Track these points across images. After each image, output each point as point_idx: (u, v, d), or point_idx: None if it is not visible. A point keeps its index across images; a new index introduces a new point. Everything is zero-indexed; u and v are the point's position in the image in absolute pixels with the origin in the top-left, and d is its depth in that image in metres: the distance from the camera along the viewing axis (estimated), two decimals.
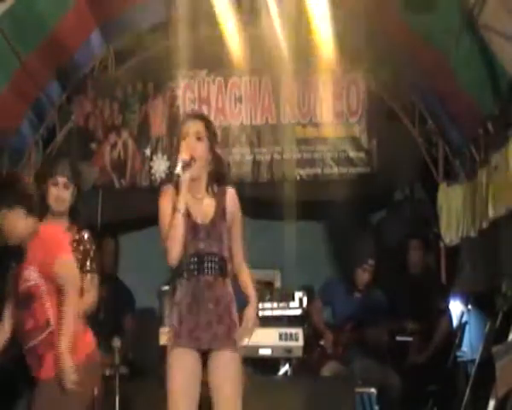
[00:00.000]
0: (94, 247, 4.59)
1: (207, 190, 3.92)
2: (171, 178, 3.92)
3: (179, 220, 3.77)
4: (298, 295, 6.61)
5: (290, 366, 6.09)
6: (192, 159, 3.80)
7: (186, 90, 7.79)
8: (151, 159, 7.78)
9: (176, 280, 3.86)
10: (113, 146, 7.79)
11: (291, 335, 5.91)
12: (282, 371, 6.06)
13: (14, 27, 5.85)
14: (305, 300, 6.59)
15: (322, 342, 6.34)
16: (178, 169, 3.77)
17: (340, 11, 7.09)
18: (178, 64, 7.71)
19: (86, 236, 4.57)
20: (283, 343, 5.94)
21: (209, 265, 3.81)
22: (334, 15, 7.20)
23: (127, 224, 7.59)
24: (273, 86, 7.73)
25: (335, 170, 7.73)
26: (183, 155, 3.81)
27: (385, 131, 7.67)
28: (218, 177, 3.96)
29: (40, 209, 4.53)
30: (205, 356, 3.80)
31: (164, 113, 7.78)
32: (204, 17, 7.61)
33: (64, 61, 7.00)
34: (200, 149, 3.86)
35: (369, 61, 7.59)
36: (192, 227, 3.82)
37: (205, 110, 7.72)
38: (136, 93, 7.81)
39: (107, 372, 5.75)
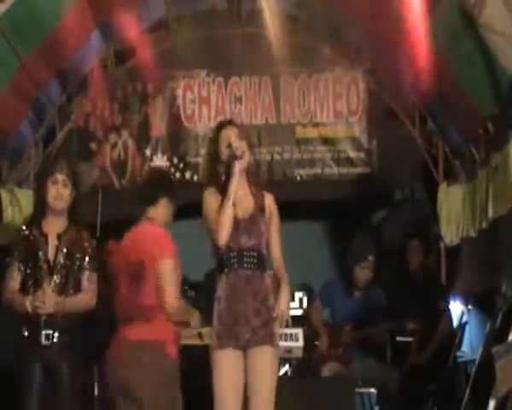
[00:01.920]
0: (93, 245, 4.60)
1: (248, 189, 4.12)
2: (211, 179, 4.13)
3: (230, 206, 3.94)
4: (298, 295, 6.63)
5: (290, 366, 6.09)
6: (244, 151, 4.02)
7: (186, 90, 7.80)
8: (151, 159, 7.78)
9: (216, 275, 4.01)
10: (113, 146, 7.79)
11: (291, 335, 5.91)
12: (282, 371, 6.06)
13: (14, 27, 5.85)
14: (305, 300, 6.60)
15: (317, 343, 6.33)
16: (238, 152, 3.98)
17: (341, 11, 7.10)
18: (178, 64, 7.72)
19: (85, 235, 4.58)
20: (283, 343, 5.93)
21: (248, 259, 3.95)
22: (335, 15, 7.22)
23: (127, 224, 7.58)
24: (273, 86, 7.73)
25: (335, 170, 7.74)
26: (237, 144, 4.02)
27: (385, 131, 7.67)
28: (254, 176, 4.23)
29: (40, 209, 4.55)
30: (244, 352, 3.91)
31: (164, 113, 7.78)
32: (204, 17, 7.63)
33: (64, 61, 7.00)
34: (245, 151, 4.06)
35: (369, 61, 7.60)
36: (233, 221, 3.96)
37: (205, 110, 7.74)
38: (136, 93, 7.82)
39: None
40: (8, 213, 6.84)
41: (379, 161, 7.68)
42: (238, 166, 3.99)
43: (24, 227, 4.55)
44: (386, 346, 6.35)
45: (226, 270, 3.96)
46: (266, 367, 3.87)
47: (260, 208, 4.08)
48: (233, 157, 3.99)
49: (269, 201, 4.16)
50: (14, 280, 4.44)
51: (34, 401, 4.34)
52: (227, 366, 3.87)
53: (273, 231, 4.10)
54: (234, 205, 3.98)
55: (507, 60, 5.49)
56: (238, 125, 4.26)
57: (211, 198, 4.04)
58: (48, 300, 4.33)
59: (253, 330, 3.87)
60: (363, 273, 6.34)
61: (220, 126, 4.19)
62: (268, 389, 3.86)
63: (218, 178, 4.09)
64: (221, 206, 3.94)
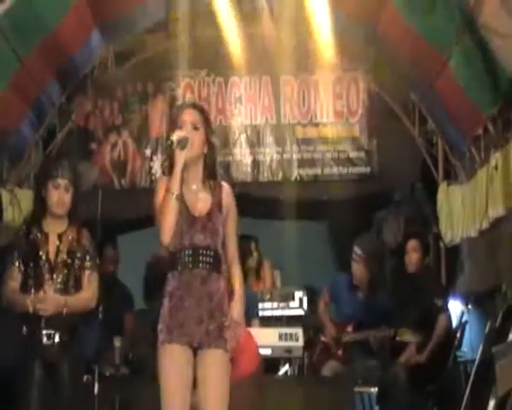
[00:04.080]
0: (93, 245, 4.60)
1: (203, 183, 3.84)
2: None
3: (172, 203, 3.66)
4: (298, 295, 6.62)
5: (290, 366, 6.09)
6: (187, 139, 3.70)
7: (186, 90, 7.80)
8: (151, 159, 7.79)
9: (169, 273, 3.78)
10: (113, 146, 7.80)
11: (291, 335, 5.92)
12: (282, 371, 6.06)
13: (14, 27, 5.85)
14: (305, 300, 6.60)
15: (323, 339, 6.33)
16: (174, 139, 3.66)
17: (341, 11, 7.10)
18: (178, 64, 7.72)
19: (85, 235, 4.58)
20: (283, 343, 5.94)
21: (204, 258, 3.74)
22: (335, 15, 7.21)
23: (127, 224, 7.59)
24: (273, 86, 7.74)
25: (335, 170, 7.74)
26: (180, 132, 3.71)
27: (385, 131, 7.67)
28: (210, 170, 3.86)
29: (40, 210, 4.55)
30: (195, 352, 3.73)
31: (164, 113, 7.78)
32: (204, 17, 7.63)
33: (64, 61, 7.00)
34: (197, 139, 3.76)
35: (369, 61, 7.60)
36: (188, 219, 3.75)
37: None
38: (136, 93, 7.82)
39: (108, 372, 5.76)
40: (8, 213, 6.84)
41: (379, 161, 7.68)
42: (179, 157, 3.66)
43: (24, 227, 4.56)
44: (386, 346, 6.34)
45: (180, 268, 3.73)
46: (217, 371, 3.69)
47: (217, 204, 3.80)
48: (173, 146, 3.67)
49: (226, 194, 3.85)
50: (15, 280, 4.45)
51: (35, 400, 4.34)
52: (175, 361, 3.69)
53: (230, 228, 3.85)
54: (185, 200, 3.75)
55: (507, 60, 5.49)
56: (200, 108, 3.88)
57: (160, 187, 3.75)
58: (49, 300, 4.33)
59: (206, 332, 3.70)
60: (355, 268, 6.34)
61: (180, 108, 3.91)
62: (217, 395, 3.69)
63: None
64: (163, 201, 3.68)
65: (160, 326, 3.78)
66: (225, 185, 3.90)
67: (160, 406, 3.73)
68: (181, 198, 3.73)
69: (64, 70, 7.16)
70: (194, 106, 3.91)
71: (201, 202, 3.80)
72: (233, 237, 3.88)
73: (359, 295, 6.40)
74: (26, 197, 7.11)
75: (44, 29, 6.26)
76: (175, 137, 3.69)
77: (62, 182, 4.49)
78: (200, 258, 3.74)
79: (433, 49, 6.27)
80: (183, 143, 3.69)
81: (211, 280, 3.75)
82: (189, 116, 3.80)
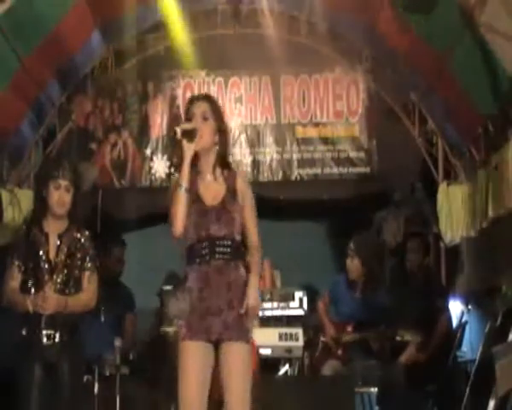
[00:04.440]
0: (93, 246, 4.60)
1: (215, 173, 3.81)
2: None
3: (181, 195, 3.66)
4: (298, 295, 6.62)
5: (290, 366, 6.09)
6: (195, 131, 3.70)
7: (186, 90, 7.80)
8: (151, 159, 7.79)
9: (187, 267, 3.76)
10: (113, 146, 7.80)
11: (291, 335, 5.91)
12: (282, 371, 6.06)
13: (14, 27, 5.85)
14: (305, 300, 6.59)
15: (323, 339, 6.33)
16: (178, 130, 3.67)
17: (341, 11, 7.10)
18: (178, 64, 7.73)
19: (86, 235, 4.58)
20: (283, 343, 5.93)
21: (220, 249, 3.71)
22: (335, 15, 7.22)
23: (127, 224, 7.59)
24: (273, 86, 7.74)
25: (335, 170, 7.75)
26: (186, 125, 3.71)
27: (385, 131, 7.67)
28: (223, 159, 3.84)
29: (41, 210, 4.55)
30: (216, 346, 3.69)
31: (164, 113, 7.78)
32: (204, 17, 7.64)
33: (64, 61, 7.00)
34: (207, 130, 3.75)
35: (369, 61, 7.61)
36: (202, 210, 3.73)
37: None
38: (136, 93, 7.82)
39: (108, 372, 5.76)
40: (8, 213, 6.84)
41: (379, 161, 7.69)
42: (187, 150, 3.67)
43: (24, 227, 4.56)
44: (385, 346, 6.34)
45: (197, 260, 3.70)
46: (238, 365, 3.65)
47: (232, 193, 3.75)
48: (176, 136, 3.67)
49: (240, 181, 3.79)
50: (15, 279, 4.45)
51: (35, 400, 4.34)
52: (194, 360, 3.66)
53: (247, 215, 3.78)
54: (199, 197, 3.74)
55: (507, 60, 5.49)
56: (209, 99, 3.88)
57: (173, 185, 3.77)
58: (49, 300, 4.33)
59: (225, 324, 3.66)
60: (349, 263, 6.35)
61: (190, 101, 3.88)
62: (241, 388, 3.64)
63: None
64: (173, 194, 3.68)
65: (180, 322, 3.75)
66: (240, 172, 3.89)
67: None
68: (195, 189, 3.74)
69: (64, 70, 7.16)
70: (204, 97, 3.92)
71: (214, 191, 3.78)
72: (251, 224, 3.80)
73: (357, 295, 6.41)
74: (26, 197, 7.11)
75: (44, 29, 6.26)
76: (179, 128, 3.69)
77: (63, 182, 4.49)
78: (217, 249, 3.71)
79: (433, 50, 6.27)
80: (189, 134, 3.68)
81: (228, 270, 3.71)
82: (198, 108, 3.80)
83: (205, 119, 3.78)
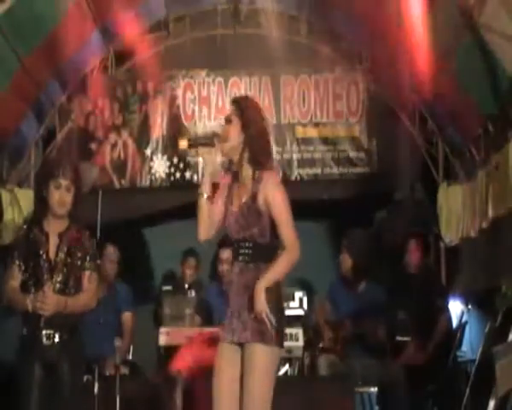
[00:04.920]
0: (94, 245, 4.60)
1: (244, 173, 3.80)
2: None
3: (202, 204, 3.76)
4: (298, 295, 6.62)
5: (290, 366, 6.09)
6: (210, 137, 3.76)
7: (186, 90, 7.80)
8: (151, 159, 7.79)
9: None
10: (113, 146, 7.80)
11: (291, 335, 5.91)
12: (282, 371, 6.06)
13: (14, 27, 5.85)
14: (305, 300, 6.60)
15: (321, 345, 6.34)
16: (186, 138, 3.75)
17: (341, 11, 7.10)
18: (178, 64, 7.73)
19: (86, 235, 4.58)
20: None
21: (242, 251, 3.76)
22: (335, 15, 7.22)
23: (127, 224, 7.59)
24: (273, 86, 7.74)
25: (335, 170, 7.75)
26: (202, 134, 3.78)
27: (385, 131, 7.67)
28: (250, 159, 3.80)
29: (41, 209, 4.55)
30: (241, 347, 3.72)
31: (164, 113, 7.78)
32: (204, 17, 7.64)
33: (64, 61, 7.00)
34: (230, 131, 3.77)
35: (369, 61, 7.61)
36: (229, 213, 3.80)
37: (205, 110, 7.75)
38: (136, 93, 7.82)
39: (108, 372, 5.76)
40: (8, 213, 6.84)
41: (379, 161, 7.69)
42: (206, 157, 3.75)
43: (25, 226, 4.56)
44: (386, 345, 6.35)
45: (233, 262, 3.84)
46: (255, 366, 3.63)
47: (252, 196, 3.74)
48: (189, 144, 3.75)
49: (265, 182, 3.73)
50: (15, 279, 4.45)
51: (35, 400, 4.34)
52: (223, 360, 3.72)
53: (274, 217, 3.74)
54: (227, 199, 3.80)
55: (507, 60, 5.49)
56: (238, 100, 3.89)
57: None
58: (49, 300, 4.33)
59: (244, 326, 3.67)
60: (340, 258, 6.37)
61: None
62: (257, 389, 3.63)
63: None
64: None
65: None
66: (268, 172, 3.79)
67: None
68: (231, 192, 3.81)
69: (64, 70, 7.16)
70: (233, 100, 3.92)
71: (240, 194, 3.80)
72: (279, 225, 3.76)
73: (351, 290, 6.43)
74: (26, 197, 7.12)
75: (44, 29, 6.26)
76: (189, 136, 3.75)
77: (64, 182, 4.49)
78: (240, 251, 3.77)
79: (433, 49, 6.27)
80: (201, 140, 3.73)
81: (247, 272, 3.73)
82: (228, 113, 3.84)
83: (228, 121, 3.80)
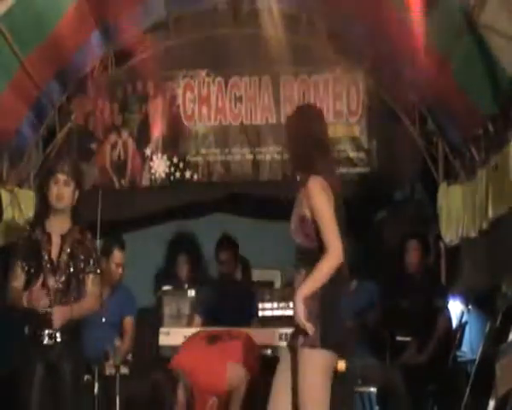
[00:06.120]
0: (96, 247, 4.61)
1: (297, 179, 3.98)
2: None
3: None
4: None
5: None
6: None
7: (186, 90, 7.80)
8: (151, 159, 7.79)
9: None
10: (113, 146, 7.80)
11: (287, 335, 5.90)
12: None
13: (14, 27, 5.84)
14: None
15: None
16: None
17: (341, 11, 7.10)
18: (178, 64, 7.72)
19: (88, 237, 4.59)
20: (283, 343, 5.93)
21: (297, 256, 3.87)
22: (335, 15, 7.22)
23: (127, 224, 7.59)
24: (273, 86, 7.74)
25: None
26: None
27: (385, 131, 7.67)
28: (298, 165, 3.99)
29: (43, 209, 4.56)
30: None
31: (164, 113, 7.78)
32: (204, 17, 7.64)
33: (64, 61, 7.00)
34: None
35: (369, 61, 7.61)
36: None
37: (205, 110, 7.75)
38: (136, 93, 7.82)
39: (108, 372, 5.76)
40: (9, 213, 6.84)
41: (379, 161, 7.68)
42: None
43: (28, 227, 4.59)
44: (386, 345, 6.35)
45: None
46: (304, 370, 3.72)
47: (299, 202, 3.91)
48: None
49: (308, 187, 3.86)
50: (18, 280, 4.47)
51: (36, 400, 4.35)
52: (281, 363, 3.88)
53: (317, 224, 3.80)
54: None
55: (507, 60, 5.49)
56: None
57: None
58: (56, 315, 4.34)
59: (296, 331, 3.77)
60: None
61: None
62: (307, 393, 3.71)
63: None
64: None
65: None
66: (314, 177, 3.87)
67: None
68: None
69: (64, 70, 7.16)
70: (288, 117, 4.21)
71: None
72: (321, 232, 3.79)
73: (350, 289, 6.43)
74: (26, 197, 7.12)
75: (44, 29, 6.25)
76: None
77: (61, 177, 4.50)
78: (296, 256, 3.89)
79: (433, 49, 6.27)
80: None
81: (297, 278, 3.83)
82: None
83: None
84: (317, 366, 3.74)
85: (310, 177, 3.85)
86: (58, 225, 4.53)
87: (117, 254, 6.41)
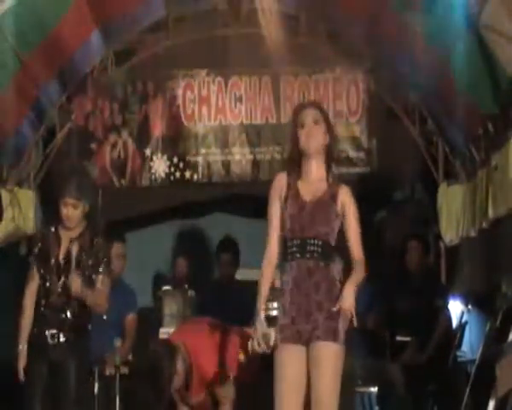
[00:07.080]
0: (106, 250, 4.66)
1: (321, 174, 3.92)
2: None
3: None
4: None
5: None
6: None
7: (186, 90, 7.79)
8: (151, 159, 7.78)
9: (282, 265, 3.82)
10: (113, 146, 7.79)
11: None
12: None
13: (15, 27, 5.85)
14: None
15: None
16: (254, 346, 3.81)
17: (341, 11, 7.10)
18: (178, 64, 7.72)
19: (99, 243, 4.63)
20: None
21: (311, 248, 3.73)
22: (335, 15, 7.22)
23: (127, 224, 7.59)
24: (273, 86, 7.74)
25: (335, 170, 7.72)
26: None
27: (385, 131, 7.67)
28: (330, 162, 3.98)
29: (55, 218, 4.63)
30: (307, 348, 3.71)
31: (164, 113, 7.78)
32: (204, 17, 7.64)
33: (64, 61, 7.00)
34: (319, 132, 3.88)
35: (369, 61, 7.60)
36: (298, 204, 3.80)
37: (205, 110, 7.75)
38: (136, 93, 7.81)
39: (108, 372, 5.76)
40: (8, 213, 6.84)
41: (379, 161, 7.68)
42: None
43: (42, 229, 4.70)
44: (386, 345, 6.35)
45: (289, 257, 3.74)
46: (325, 363, 3.62)
47: (332, 195, 3.86)
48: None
49: (343, 192, 3.92)
50: (34, 280, 4.55)
51: (40, 400, 4.36)
52: (288, 364, 3.71)
53: (350, 227, 3.81)
54: (298, 193, 3.84)
55: (507, 60, 5.49)
56: (319, 106, 4.08)
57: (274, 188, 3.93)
58: (74, 283, 4.39)
59: (315, 325, 3.65)
60: None
61: (298, 109, 4.02)
62: (327, 387, 3.63)
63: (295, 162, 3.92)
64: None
65: (278, 324, 3.80)
66: (344, 187, 3.96)
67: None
68: (295, 186, 3.84)
69: (64, 70, 7.16)
70: (312, 104, 4.19)
71: (315, 189, 3.86)
72: (354, 238, 3.80)
73: None
74: (26, 197, 7.12)
75: (44, 29, 6.26)
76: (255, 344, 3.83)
77: (69, 201, 4.61)
78: (308, 247, 3.73)
79: (433, 49, 6.27)
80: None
81: (317, 270, 3.72)
82: (308, 115, 3.90)
83: (316, 122, 3.89)
84: (341, 361, 3.70)
85: (338, 183, 3.98)
86: (70, 230, 4.60)
87: (117, 246, 6.42)
